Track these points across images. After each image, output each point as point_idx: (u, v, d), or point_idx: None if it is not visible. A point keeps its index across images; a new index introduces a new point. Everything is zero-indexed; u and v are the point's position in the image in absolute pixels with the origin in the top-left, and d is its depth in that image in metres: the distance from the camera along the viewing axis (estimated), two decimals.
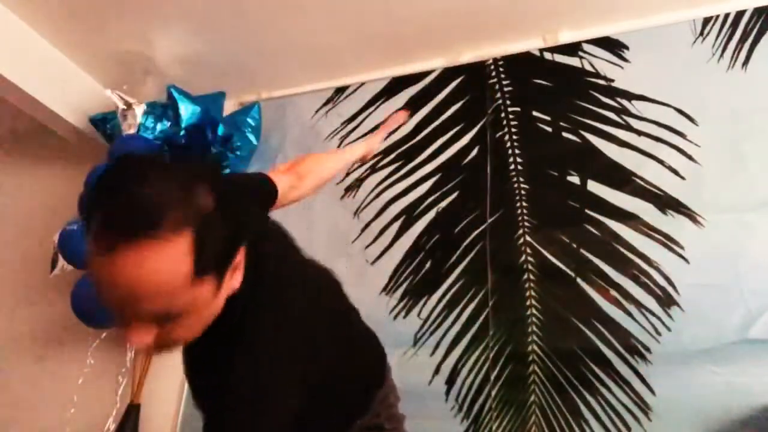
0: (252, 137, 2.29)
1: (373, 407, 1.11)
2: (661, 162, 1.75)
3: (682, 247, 1.64)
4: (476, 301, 1.80)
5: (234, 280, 0.74)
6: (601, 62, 1.94)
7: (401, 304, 1.88)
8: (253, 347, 0.76)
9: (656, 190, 1.73)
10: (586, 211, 1.77)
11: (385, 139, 1.96)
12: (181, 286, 0.63)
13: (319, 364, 0.85)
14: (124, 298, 0.62)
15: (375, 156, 2.14)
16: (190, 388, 0.87)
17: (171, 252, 0.61)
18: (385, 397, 1.17)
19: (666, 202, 1.70)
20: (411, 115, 2.12)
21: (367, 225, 2.05)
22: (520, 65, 2.05)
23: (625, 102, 1.86)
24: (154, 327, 0.65)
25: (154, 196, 0.61)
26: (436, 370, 1.76)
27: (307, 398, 0.79)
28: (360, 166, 2.12)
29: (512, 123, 1.99)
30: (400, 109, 2.06)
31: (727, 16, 1.83)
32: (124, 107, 2.17)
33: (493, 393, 1.69)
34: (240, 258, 0.74)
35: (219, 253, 0.68)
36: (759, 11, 1.79)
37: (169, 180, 0.64)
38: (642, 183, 1.75)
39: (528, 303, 1.74)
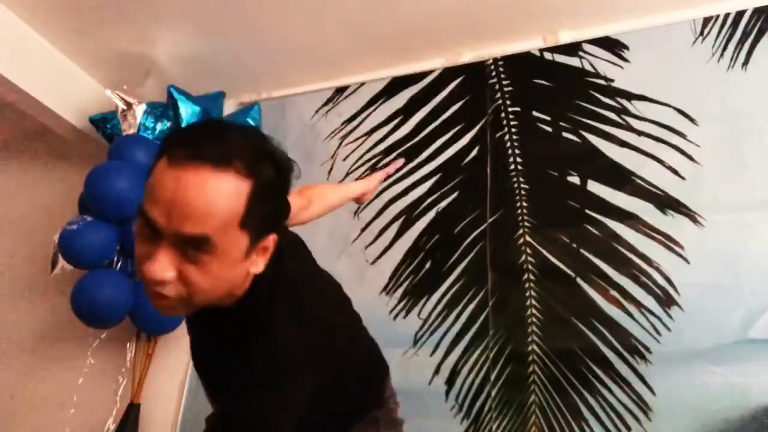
0: None
1: (370, 415, 1.12)
2: (661, 162, 1.75)
3: (682, 247, 1.64)
4: (476, 301, 1.80)
5: (258, 263, 0.76)
6: (601, 62, 1.94)
7: (401, 304, 1.89)
8: (275, 342, 0.77)
9: (656, 190, 1.73)
10: (586, 211, 1.77)
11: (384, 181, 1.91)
12: (228, 221, 0.66)
13: (330, 369, 0.86)
14: (173, 212, 0.64)
15: (375, 156, 2.15)
16: (199, 365, 0.90)
17: (232, 189, 0.66)
18: (384, 402, 1.17)
19: (666, 202, 1.70)
20: (411, 115, 2.13)
21: (367, 225, 2.05)
22: (520, 65, 2.05)
23: (625, 102, 1.86)
24: (179, 257, 0.66)
25: (234, 140, 0.68)
26: (436, 370, 1.76)
27: (314, 401, 0.80)
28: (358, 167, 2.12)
29: (512, 123, 1.99)
30: (397, 158, 2.07)
31: (727, 16, 1.83)
32: (124, 107, 2.18)
33: (493, 393, 1.69)
34: (270, 243, 0.76)
35: (264, 216, 0.71)
36: (759, 11, 1.79)
37: (248, 139, 0.71)
38: (642, 183, 1.75)
39: (528, 303, 1.74)
